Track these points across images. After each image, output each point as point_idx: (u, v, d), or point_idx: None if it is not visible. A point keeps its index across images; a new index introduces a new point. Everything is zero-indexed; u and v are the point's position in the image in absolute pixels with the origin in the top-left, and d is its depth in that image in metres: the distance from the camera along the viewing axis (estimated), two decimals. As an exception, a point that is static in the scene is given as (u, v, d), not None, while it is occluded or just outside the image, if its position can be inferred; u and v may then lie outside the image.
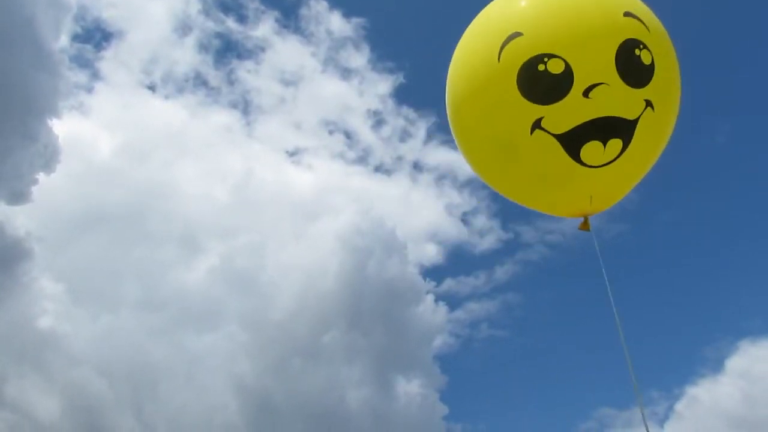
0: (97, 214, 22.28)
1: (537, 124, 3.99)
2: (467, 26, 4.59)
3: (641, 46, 3.93)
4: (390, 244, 22.74)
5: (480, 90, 4.25)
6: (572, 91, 3.86)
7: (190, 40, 26.80)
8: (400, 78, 27.62)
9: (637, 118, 3.96)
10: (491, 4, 4.48)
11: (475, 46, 4.33)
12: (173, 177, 25.79)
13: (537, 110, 3.95)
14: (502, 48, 4.06)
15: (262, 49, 27.95)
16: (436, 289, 24.02)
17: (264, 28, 27.20)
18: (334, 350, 20.30)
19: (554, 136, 3.97)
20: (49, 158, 17.95)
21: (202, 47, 27.17)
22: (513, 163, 4.32)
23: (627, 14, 4.02)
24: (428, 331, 22.28)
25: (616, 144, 3.99)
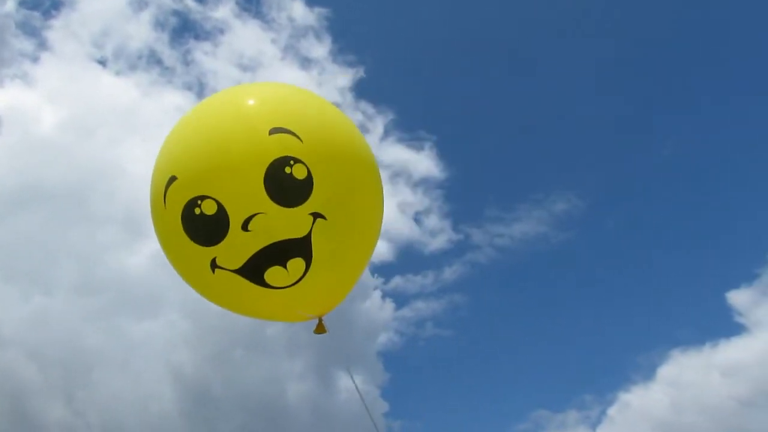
0: (35, 190, 20.94)
1: (214, 264, 3.92)
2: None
3: (292, 162, 3.83)
4: (339, 238, 22.38)
5: (161, 235, 4.20)
6: (231, 228, 3.78)
7: (146, 16, 25.72)
8: (360, 72, 27.21)
9: (309, 233, 3.90)
10: (165, 137, 4.36)
11: (152, 188, 4.23)
12: (119, 156, 24.38)
13: (208, 252, 3.89)
14: (165, 193, 3.98)
15: (221, 32, 27.06)
16: (384, 286, 24.06)
17: (224, 9, 26.44)
18: (277, 343, 19.74)
19: (233, 271, 3.91)
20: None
21: (158, 24, 26.16)
22: (213, 294, 4.29)
23: (274, 131, 3.91)
24: (373, 327, 22.11)
25: (298, 262, 3.93)
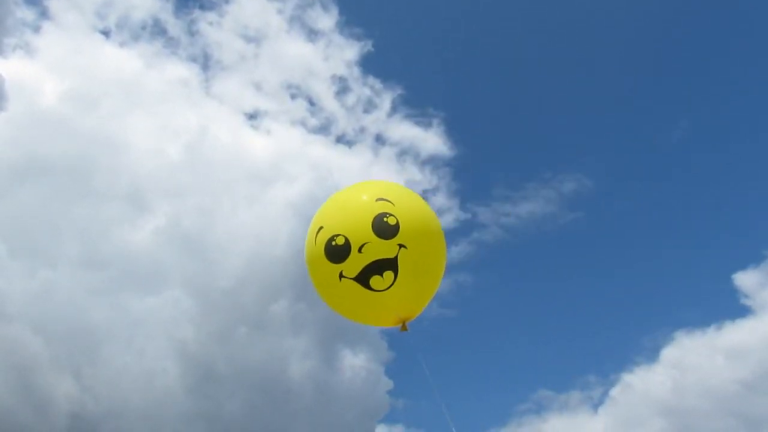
0: (39, 165, 21.16)
1: (341, 275, 6.71)
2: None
3: (387, 215, 6.73)
4: (346, 218, 22.52)
5: (312, 263, 7.10)
6: (352, 252, 6.62)
7: (151, -13, 24.09)
8: (368, 46, 27.73)
9: (396, 256, 6.63)
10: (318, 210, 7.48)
11: (307, 237, 7.25)
12: (123, 129, 24.68)
13: (338, 267, 6.71)
14: (316, 236, 6.96)
15: (226, 1, 27.59)
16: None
17: (229, -20, 23.84)
18: (281, 320, 19.90)
19: (351, 278, 6.66)
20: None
21: (164, -3, 23.99)
22: (339, 299, 6.99)
23: (379, 199, 6.90)
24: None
25: (389, 274, 6.62)
